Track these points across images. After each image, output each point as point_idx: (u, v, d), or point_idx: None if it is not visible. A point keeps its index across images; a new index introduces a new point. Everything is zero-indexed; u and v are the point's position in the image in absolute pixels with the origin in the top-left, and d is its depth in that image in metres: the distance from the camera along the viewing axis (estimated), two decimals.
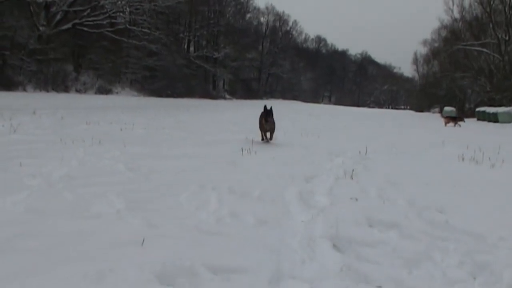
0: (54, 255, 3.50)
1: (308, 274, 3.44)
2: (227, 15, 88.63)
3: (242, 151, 9.40)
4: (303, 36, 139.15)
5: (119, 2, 53.28)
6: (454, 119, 28.82)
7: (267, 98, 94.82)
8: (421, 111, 76.57)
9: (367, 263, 3.70)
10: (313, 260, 3.81)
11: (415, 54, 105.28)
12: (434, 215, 5.12)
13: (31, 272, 3.18)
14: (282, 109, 41.15)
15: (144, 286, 3.07)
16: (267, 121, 11.31)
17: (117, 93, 53.64)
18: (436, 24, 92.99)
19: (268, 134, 11.68)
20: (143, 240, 3.84)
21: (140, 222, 4.44)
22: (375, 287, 3.25)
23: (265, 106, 11.55)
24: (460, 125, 27.37)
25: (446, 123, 28.02)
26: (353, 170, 7.59)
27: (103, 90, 51.28)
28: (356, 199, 5.78)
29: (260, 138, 11.78)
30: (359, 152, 10.20)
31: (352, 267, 3.61)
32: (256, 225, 4.60)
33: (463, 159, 9.73)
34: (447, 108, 51.09)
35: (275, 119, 11.69)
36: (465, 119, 29.16)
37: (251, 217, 4.80)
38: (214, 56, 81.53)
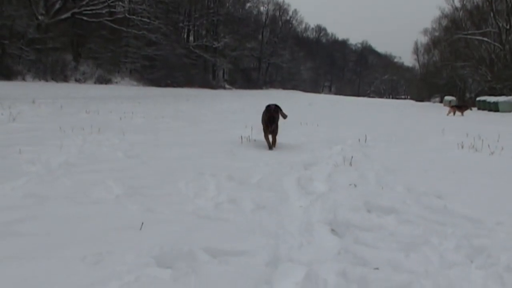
0: (52, 239, 3.53)
1: (305, 257, 3.46)
2: (227, 4, 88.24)
3: (241, 139, 9.42)
4: (303, 25, 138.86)
5: None
6: (460, 108, 28.32)
7: (266, 88, 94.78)
8: (422, 100, 76.48)
9: (364, 247, 3.72)
10: (311, 243, 3.84)
11: (416, 43, 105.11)
12: (433, 200, 5.14)
13: (30, 255, 3.21)
14: (282, 99, 41.11)
15: (142, 269, 3.10)
16: (270, 126, 8.85)
17: (116, 82, 53.57)
18: (436, 13, 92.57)
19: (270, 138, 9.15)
20: (142, 225, 3.87)
21: (139, 207, 4.47)
22: (372, 269, 3.28)
23: (268, 107, 9.12)
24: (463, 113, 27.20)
25: (452, 112, 27.65)
26: (352, 157, 7.61)
27: (103, 80, 51.21)
28: (355, 185, 5.80)
29: (265, 139, 9.09)
30: (359, 140, 10.22)
31: (349, 250, 3.64)
32: (255, 211, 4.62)
33: (462, 147, 9.75)
34: (447, 98, 51.10)
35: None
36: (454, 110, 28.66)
37: (250, 203, 4.82)
38: (214, 46, 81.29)
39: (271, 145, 8.92)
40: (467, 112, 28.31)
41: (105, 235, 3.67)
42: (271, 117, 8.82)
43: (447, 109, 31.27)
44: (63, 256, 3.20)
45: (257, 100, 33.04)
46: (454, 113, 27.62)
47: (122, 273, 3.00)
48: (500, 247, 3.72)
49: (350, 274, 3.16)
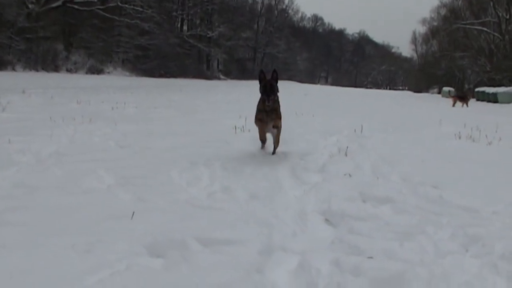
0: (43, 228, 3.54)
1: (299, 246, 3.48)
2: None
3: (235, 129, 9.43)
4: (299, 14, 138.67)
5: None
6: (462, 98, 28.17)
7: None
8: (420, 91, 76.60)
9: (359, 236, 3.75)
10: (304, 233, 3.87)
11: (414, 33, 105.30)
12: (429, 190, 5.17)
13: (20, 244, 3.22)
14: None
15: (133, 258, 3.11)
16: (267, 105, 6.63)
17: (108, 73, 53.45)
18: (435, 2, 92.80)
19: (268, 137, 7.30)
20: (133, 214, 3.88)
21: (131, 197, 4.49)
22: (366, 258, 3.30)
23: (261, 73, 6.79)
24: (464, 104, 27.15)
25: (453, 102, 27.57)
26: (347, 147, 7.63)
27: (94, 70, 51.07)
28: (350, 175, 5.83)
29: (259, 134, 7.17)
30: (355, 131, 10.25)
31: (344, 239, 3.66)
32: (248, 200, 4.64)
33: (459, 137, 9.79)
34: (445, 89, 51.14)
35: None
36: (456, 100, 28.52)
37: (243, 192, 4.85)
38: (208, 35, 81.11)
39: (274, 145, 7.14)
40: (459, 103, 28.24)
41: (96, 224, 3.68)
42: (269, 87, 6.57)
43: (447, 100, 31.17)
44: (53, 245, 3.21)
45: (252, 91, 33.04)
46: (454, 104, 27.55)
47: (113, 262, 3.02)
48: (496, 236, 3.75)
49: (343, 263, 3.18)
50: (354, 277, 3.00)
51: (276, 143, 7.09)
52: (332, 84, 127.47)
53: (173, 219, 3.89)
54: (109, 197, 4.47)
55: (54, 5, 48.39)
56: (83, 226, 3.63)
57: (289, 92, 36.45)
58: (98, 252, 3.15)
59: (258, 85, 6.75)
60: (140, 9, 55.93)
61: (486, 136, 9.79)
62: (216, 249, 3.34)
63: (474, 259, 3.38)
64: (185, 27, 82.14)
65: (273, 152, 7.09)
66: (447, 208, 4.56)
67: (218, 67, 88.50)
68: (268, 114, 6.70)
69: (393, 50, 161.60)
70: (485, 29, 53.84)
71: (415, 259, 3.31)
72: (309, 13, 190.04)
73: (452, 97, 29.12)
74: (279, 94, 6.85)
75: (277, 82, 6.71)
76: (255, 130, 8.77)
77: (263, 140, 7.25)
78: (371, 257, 3.33)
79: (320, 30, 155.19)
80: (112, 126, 9.20)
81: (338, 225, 4.07)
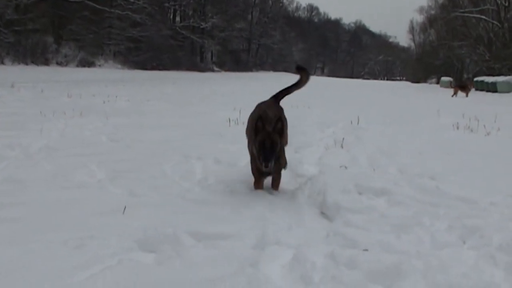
0: (33, 224, 3.55)
1: (293, 240, 3.49)
2: None
3: (229, 121, 9.44)
4: (294, 4, 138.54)
5: None
6: (463, 88, 28.09)
7: (257, 70, 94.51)
8: (418, 82, 76.66)
9: (354, 229, 3.76)
10: (299, 226, 3.88)
11: (411, 22, 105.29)
12: (426, 181, 5.19)
13: (10, 240, 3.23)
14: (272, 81, 41.08)
15: (125, 253, 3.12)
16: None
17: (100, 65, 53.29)
18: None
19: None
20: (125, 208, 3.89)
21: (122, 191, 4.50)
22: (361, 250, 3.32)
23: (259, 121, 4.63)
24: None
25: (455, 93, 27.52)
26: (343, 139, 7.64)
27: (85, 63, 50.93)
28: (346, 167, 5.84)
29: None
30: (351, 122, 10.27)
31: (339, 232, 3.68)
32: (243, 194, 4.66)
33: (458, 128, 9.83)
34: (444, 79, 51.19)
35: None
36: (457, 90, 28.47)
37: (238, 186, 4.86)
38: (201, 26, 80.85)
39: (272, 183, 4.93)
40: (463, 94, 28.26)
41: (87, 219, 3.69)
42: (270, 145, 4.50)
43: (445, 90, 31.12)
44: (43, 241, 3.21)
45: (247, 83, 33.02)
46: (455, 94, 27.53)
47: (105, 257, 3.02)
48: (493, 227, 3.77)
49: (338, 256, 3.19)
50: (349, 270, 3.01)
51: (276, 186, 4.92)
52: (328, 75, 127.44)
53: (165, 213, 3.90)
54: (101, 191, 4.49)
55: None
56: (75, 222, 3.64)
57: (284, 84, 36.39)
58: (90, 247, 3.16)
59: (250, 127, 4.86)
60: (131, 0, 55.73)
61: (485, 126, 9.82)
62: (209, 244, 3.35)
63: (471, 250, 3.40)
64: (177, 18, 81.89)
65: (275, 187, 4.92)
66: (445, 200, 4.58)
67: (211, 59, 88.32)
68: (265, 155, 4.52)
69: (390, 40, 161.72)
70: (483, 17, 53.83)
71: (412, 251, 3.32)
72: (304, 2, 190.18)
73: (453, 87, 29.06)
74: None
75: (282, 133, 4.65)
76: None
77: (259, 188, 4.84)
78: (367, 250, 3.34)
79: (316, 20, 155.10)
80: (104, 119, 9.20)
81: (333, 218, 4.09)
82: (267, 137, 4.43)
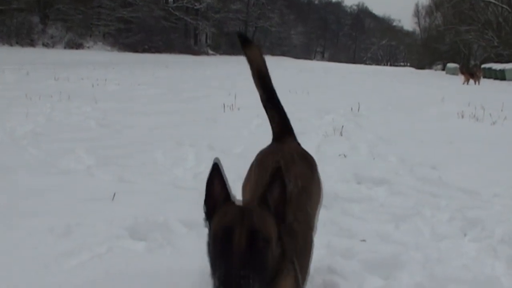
0: (19, 210, 3.60)
1: None
2: None
3: (224, 107, 9.46)
4: None
5: None
6: (472, 75, 27.99)
7: None
8: (422, 68, 76.53)
9: (352, 218, 3.83)
10: None
11: (416, 5, 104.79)
12: (427, 171, 5.25)
13: None
14: (270, 66, 40.93)
15: (114, 241, 3.16)
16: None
17: (88, 47, 53.06)
18: None
19: None
20: (114, 195, 3.93)
21: (112, 178, 4.54)
22: (359, 240, 3.37)
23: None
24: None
25: (467, 81, 27.44)
26: (342, 127, 7.68)
27: (73, 44, 50.69)
28: (345, 156, 5.89)
29: None
30: (351, 109, 10.29)
31: (336, 221, 3.73)
32: (236, 181, 4.66)
33: (462, 116, 9.87)
34: (450, 65, 51.10)
35: None
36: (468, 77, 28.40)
37: (231, 173, 4.85)
38: (195, 7, 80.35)
39: None
40: (470, 81, 28.19)
41: (74, 206, 3.73)
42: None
43: (451, 77, 30.99)
44: (29, 227, 3.26)
45: (243, 67, 32.90)
46: (467, 81, 27.45)
47: (94, 245, 3.07)
48: (496, 219, 3.83)
49: (335, 245, 3.25)
50: (346, 260, 3.06)
51: None
52: (329, 60, 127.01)
53: (156, 201, 3.95)
54: (89, 178, 4.53)
55: None
56: (62, 208, 3.68)
57: (282, 69, 36.43)
58: (77, 234, 3.21)
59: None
60: None
61: (491, 115, 9.86)
62: (200, 233, 3.38)
63: (472, 242, 3.46)
64: None
65: None
66: (446, 190, 4.64)
67: (206, 41, 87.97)
68: None
69: (394, 24, 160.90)
70: (492, 0, 53.70)
71: (411, 242, 3.38)
72: None
73: (464, 74, 28.96)
74: None
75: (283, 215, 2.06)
76: (245, 108, 8.81)
77: None
78: (364, 240, 3.40)
79: (316, 2, 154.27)
80: (93, 104, 9.21)
81: (331, 207, 4.12)
82: (237, 221, 1.85)
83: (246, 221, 1.80)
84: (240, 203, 2.06)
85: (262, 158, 2.82)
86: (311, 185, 2.63)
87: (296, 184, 2.45)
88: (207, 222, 2.10)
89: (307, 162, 2.80)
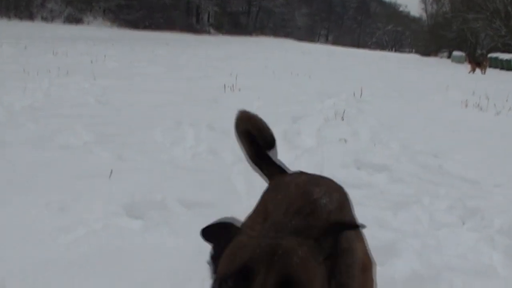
0: (14, 185, 3.62)
1: None
2: None
3: (225, 87, 9.46)
4: None
5: None
6: (479, 64, 27.91)
7: (256, 35, 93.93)
8: (428, 55, 76.30)
9: None
10: None
11: None
12: (428, 159, 5.27)
13: None
14: (273, 48, 40.89)
15: (111, 218, 3.19)
16: None
17: (88, 23, 52.84)
18: None
19: None
20: (111, 172, 3.95)
21: (110, 155, 4.55)
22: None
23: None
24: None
25: (472, 70, 27.37)
26: (344, 112, 7.69)
27: (73, 19, 50.46)
28: (345, 141, 5.91)
29: None
30: (354, 94, 10.29)
31: None
32: (235, 163, 4.71)
33: (466, 106, 9.89)
34: (455, 53, 50.97)
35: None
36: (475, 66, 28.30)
37: (230, 155, 4.91)
38: None
39: None
40: (476, 71, 28.13)
41: (71, 182, 3.76)
42: None
43: (457, 65, 30.89)
44: (25, 202, 3.28)
45: (245, 48, 32.88)
46: (473, 70, 27.38)
47: (89, 221, 3.09)
48: (496, 209, 3.86)
49: None
50: None
51: None
52: (333, 43, 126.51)
53: (154, 179, 3.98)
54: (86, 154, 4.55)
55: None
56: (58, 184, 3.70)
57: (284, 50, 36.32)
58: (73, 211, 3.23)
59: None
60: None
61: (495, 105, 9.88)
62: (197, 212, 3.42)
63: (470, 232, 3.49)
64: None
65: None
66: (447, 179, 4.67)
67: (208, 20, 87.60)
68: None
69: (400, 9, 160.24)
70: None
71: (408, 230, 3.41)
72: None
73: (470, 62, 28.89)
74: None
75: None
76: (246, 89, 8.80)
77: None
78: (364, 226, 3.42)
79: None
80: (91, 80, 9.21)
81: None
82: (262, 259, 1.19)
83: (277, 261, 1.16)
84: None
85: (279, 182, 2.14)
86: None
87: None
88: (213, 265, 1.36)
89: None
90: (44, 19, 47.06)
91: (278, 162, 2.36)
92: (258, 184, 4.07)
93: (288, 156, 5.22)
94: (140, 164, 4.37)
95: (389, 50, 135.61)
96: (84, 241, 2.86)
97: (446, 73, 25.66)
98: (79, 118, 5.94)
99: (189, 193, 3.71)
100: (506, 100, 11.09)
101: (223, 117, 6.68)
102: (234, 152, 5.01)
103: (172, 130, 5.76)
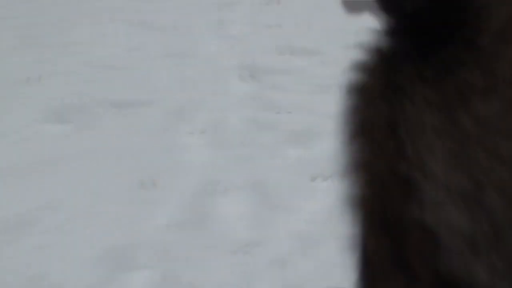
0: None
1: (216, 104, 3.66)
2: None
3: None
4: None
5: None
6: None
7: None
8: None
9: (281, 91, 3.91)
10: (225, 90, 4.02)
11: None
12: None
13: None
14: None
15: (39, 124, 3.23)
16: None
17: None
18: None
19: None
20: (39, 78, 3.94)
21: (34, 58, 4.46)
22: (286, 112, 3.52)
23: None
24: None
25: None
26: None
27: None
28: (280, 26, 5.87)
29: None
30: None
31: (264, 95, 3.85)
32: (166, 57, 4.68)
33: None
34: None
35: None
36: None
37: (160, 49, 4.86)
38: None
39: None
40: None
41: None
42: None
43: None
44: None
45: None
46: None
47: (16, 128, 3.14)
48: None
49: (261, 118, 3.40)
50: (270, 131, 3.24)
51: None
52: None
53: (81, 81, 3.98)
54: (8, 59, 4.47)
55: None
56: None
57: None
58: (1, 118, 3.26)
59: None
60: None
61: None
62: (129, 112, 3.47)
63: None
64: None
65: None
66: None
67: None
68: None
69: None
70: None
71: (333, 112, 3.54)
72: None
73: None
74: None
75: None
76: None
77: None
78: (290, 112, 3.56)
79: None
80: None
81: (261, 80, 4.22)
82: None
83: None
84: None
85: None
86: None
87: None
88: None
89: None
90: None
91: None
92: (188, 77, 4.12)
93: (221, 44, 5.19)
94: (67, 67, 4.28)
95: None
96: (11, 150, 2.91)
97: None
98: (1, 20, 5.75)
99: (120, 92, 3.72)
100: None
101: (152, 10, 6.48)
102: (163, 47, 4.99)
103: (101, 26, 5.57)
